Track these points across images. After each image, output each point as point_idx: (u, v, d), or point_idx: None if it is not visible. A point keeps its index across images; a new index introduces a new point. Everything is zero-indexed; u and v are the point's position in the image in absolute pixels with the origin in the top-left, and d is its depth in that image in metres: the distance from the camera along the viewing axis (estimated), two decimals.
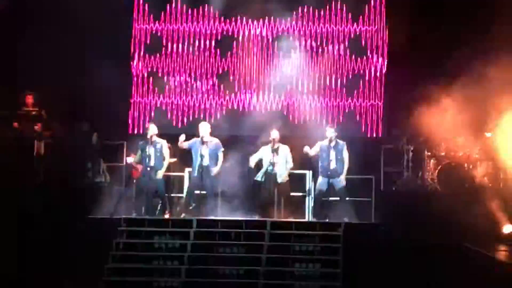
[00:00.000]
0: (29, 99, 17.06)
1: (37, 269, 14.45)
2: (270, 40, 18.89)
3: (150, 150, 15.87)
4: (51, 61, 17.46)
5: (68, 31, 17.63)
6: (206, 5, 19.00)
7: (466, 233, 14.67)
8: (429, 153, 17.43)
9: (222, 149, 15.95)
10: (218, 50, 18.92)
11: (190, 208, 15.88)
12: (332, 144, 15.92)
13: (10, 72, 17.33)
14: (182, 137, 15.70)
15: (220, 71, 18.86)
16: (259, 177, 15.85)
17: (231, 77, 18.87)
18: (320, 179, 15.95)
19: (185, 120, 18.74)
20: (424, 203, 15.75)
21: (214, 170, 15.74)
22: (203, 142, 15.87)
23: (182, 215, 15.80)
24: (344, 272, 13.95)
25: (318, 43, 18.79)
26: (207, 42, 18.93)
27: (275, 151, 15.92)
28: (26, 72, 17.32)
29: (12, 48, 17.48)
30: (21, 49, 17.47)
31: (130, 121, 18.82)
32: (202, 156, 15.79)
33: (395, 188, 17.25)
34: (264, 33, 18.89)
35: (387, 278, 14.02)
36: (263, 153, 16.07)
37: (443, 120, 16.86)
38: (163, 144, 16.02)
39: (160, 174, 15.80)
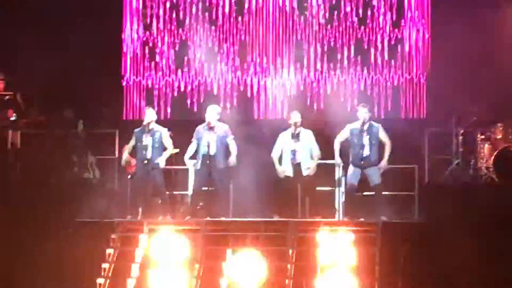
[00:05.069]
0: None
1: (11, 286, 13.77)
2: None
3: (147, 140, 14.74)
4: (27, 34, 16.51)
5: None
6: None
7: None
8: (483, 136, 16.17)
9: (232, 136, 14.84)
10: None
11: (197, 208, 14.97)
12: (365, 127, 14.59)
13: None
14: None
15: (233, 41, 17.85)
16: (286, 171, 14.81)
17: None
18: (351, 169, 14.64)
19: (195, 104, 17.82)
20: (478, 197, 14.49)
21: (231, 161, 14.74)
22: (209, 128, 14.72)
23: (187, 217, 14.66)
24: (382, 281, 13.09)
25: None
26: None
27: (295, 136, 14.78)
28: None
29: None
30: None
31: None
32: (208, 145, 14.65)
33: (443, 179, 16.10)
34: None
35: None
36: (283, 141, 14.88)
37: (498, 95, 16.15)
38: (163, 132, 14.86)
39: (160, 163, 14.67)
